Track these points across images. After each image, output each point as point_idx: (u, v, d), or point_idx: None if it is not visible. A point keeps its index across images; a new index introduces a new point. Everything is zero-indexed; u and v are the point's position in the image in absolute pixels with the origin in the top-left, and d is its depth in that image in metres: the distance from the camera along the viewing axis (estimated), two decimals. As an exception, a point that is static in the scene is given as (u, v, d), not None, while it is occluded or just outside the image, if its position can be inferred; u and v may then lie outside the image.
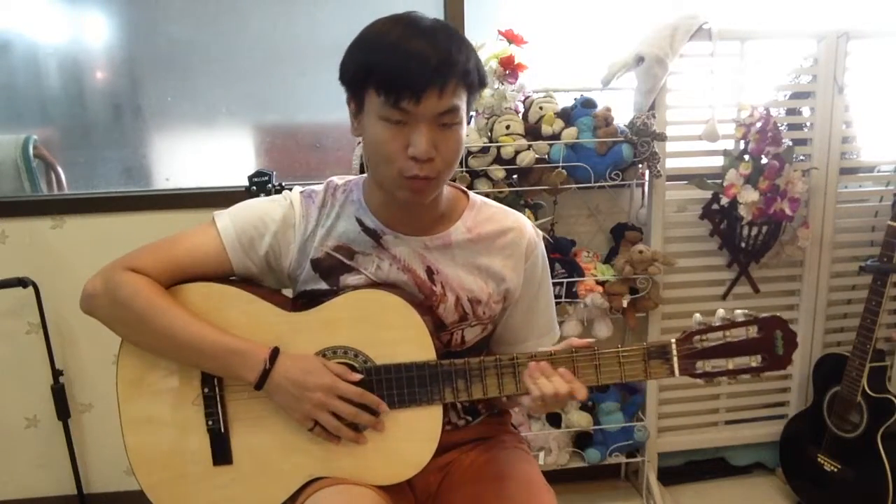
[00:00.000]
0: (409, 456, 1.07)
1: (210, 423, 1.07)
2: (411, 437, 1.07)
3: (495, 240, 1.14)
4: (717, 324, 1.02)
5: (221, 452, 1.08)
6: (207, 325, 1.03)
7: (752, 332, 1.01)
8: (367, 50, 0.97)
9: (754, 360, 1.02)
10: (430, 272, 1.11)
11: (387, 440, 1.07)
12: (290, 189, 1.14)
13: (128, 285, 1.03)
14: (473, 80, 0.99)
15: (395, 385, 1.05)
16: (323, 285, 1.10)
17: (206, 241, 1.08)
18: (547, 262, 1.21)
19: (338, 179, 1.15)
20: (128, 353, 1.08)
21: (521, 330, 1.21)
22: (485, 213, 1.15)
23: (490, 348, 1.24)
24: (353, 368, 1.06)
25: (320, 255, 1.10)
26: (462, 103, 0.99)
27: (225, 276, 1.10)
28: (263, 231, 1.08)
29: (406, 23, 0.97)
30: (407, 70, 0.93)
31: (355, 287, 1.09)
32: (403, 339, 1.06)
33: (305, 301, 1.11)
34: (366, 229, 1.10)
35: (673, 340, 1.03)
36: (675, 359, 1.02)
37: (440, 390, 1.06)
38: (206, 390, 1.07)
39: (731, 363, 1.02)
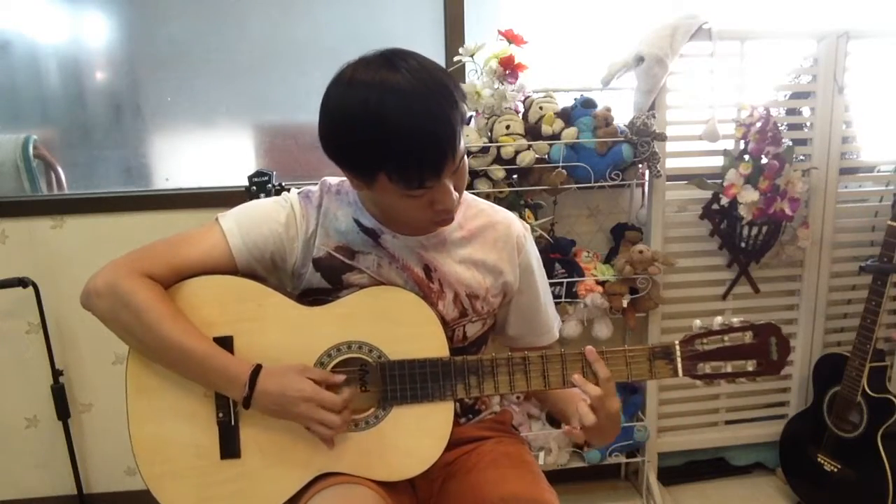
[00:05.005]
0: (419, 452, 1.07)
1: (220, 415, 1.07)
2: (422, 434, 1.07)
3: (486, 234, 1.16)
4: (717, 328, 1.07)
5: (229, 446, 1.07)
6: (200, 340, 1.03)
7: (748, 337, 1.06)
8: (372, 138, 0.93)
9: (750, 365, 1.06)
10: (427, 269, 1.12)
11: (397, 436, 1.07)
12: (289, 190, 1.15)
13: (129, 291, 1.02)
14: (465, 109, 0.99)
15: (409, 380, 1.06)
16: (325, 284, 1.11)
17: (212, 243, 1.08)
18: (540, 260, 1.23)
19: (331, 179, 1.16)
20: None
21: (525, 326, 1.23)
22: (473, 209, 1.18)
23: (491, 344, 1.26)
24: (365, 363, 1.07)
25: (322, 255, 1.10)
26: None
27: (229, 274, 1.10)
28: (268, 233, 1.08)
29: (402, 100, 0.91)
30: (426, 160, 0.94)
31: (359, 285, 1.10)
32: (418, 335, 1.07)
33: (311, 299, 1.12)
34: (364, 229, 1.11)
35: (677, 342, 1.07)
36: (679, 360, 1.06)
37: (452, 386, 1.07)
38: None
39: (730, 366, 1.06)
